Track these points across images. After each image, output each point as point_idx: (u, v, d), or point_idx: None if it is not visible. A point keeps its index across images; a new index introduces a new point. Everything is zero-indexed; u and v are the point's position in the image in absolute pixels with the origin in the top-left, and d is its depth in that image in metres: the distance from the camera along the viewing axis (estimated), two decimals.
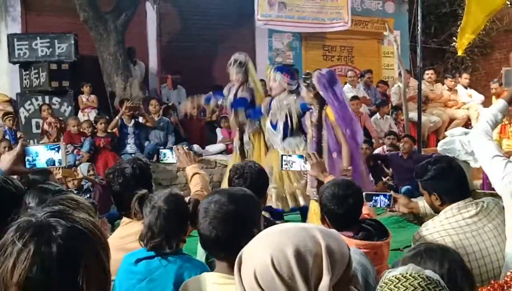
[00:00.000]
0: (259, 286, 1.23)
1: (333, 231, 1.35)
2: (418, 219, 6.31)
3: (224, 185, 5.57)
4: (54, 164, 2.57)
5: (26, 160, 2.49)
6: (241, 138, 6.87)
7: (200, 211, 2.02)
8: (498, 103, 3.31)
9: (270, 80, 5.93)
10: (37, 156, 2.49)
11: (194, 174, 3.38)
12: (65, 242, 1.15)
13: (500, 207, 3.02)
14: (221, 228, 1.94)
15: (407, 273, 1.62)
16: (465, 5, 8.54)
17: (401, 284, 1.60)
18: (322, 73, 5.35)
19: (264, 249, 1.26)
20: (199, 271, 2.37)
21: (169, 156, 3.72)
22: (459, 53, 9.64)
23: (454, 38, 10.11)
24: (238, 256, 1.31)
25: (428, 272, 1.65)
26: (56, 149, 2.54)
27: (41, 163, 2.52)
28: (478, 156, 3.17)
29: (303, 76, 5.56)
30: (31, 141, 9.77)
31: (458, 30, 9.42)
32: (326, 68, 6.09)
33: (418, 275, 1.61)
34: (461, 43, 9.11)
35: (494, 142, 3.16)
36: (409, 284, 1.60)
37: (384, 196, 4.00)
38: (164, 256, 2.45)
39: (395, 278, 1.63)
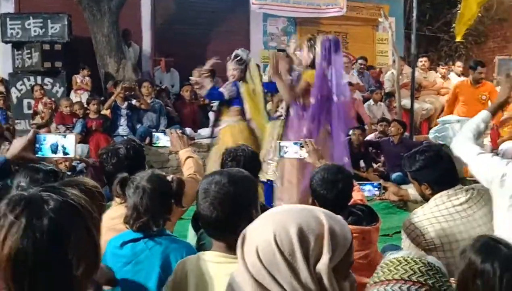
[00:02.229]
0: (261, 261, 1.25)
1: (338, 216, 1.36)
2: (408, 206, 6.35)
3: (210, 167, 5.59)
4: (57, 150, 2.54)
5: (35, 147, 2.48)
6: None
7: (199, 192, 2.03)
8: (482, 113, 3.35)
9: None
10: (42, 143, 2.48)
11: (187, 158, 3.38)
12: (56, 216, 1.16)
13: (490, 194, 3.04)
14: (222, 208, 1.96)
15: (408, 257, 1.64)
16: None
17: (401, 267, 1.62)
18: (329, 37, 5.38)
19: (268, 226, 1.29)
20: (185, 252, 2.39)
21: (163, 139, 3.72)
22: (458, 39, 9.74)
23: (453, 25, 10.15)
24: (241, 234, 1.33)
25: (430, 258, 1.66)
26: (63, 135, 2.53)
27: (46, 150, 2.50)
28: (463, 158, 3.17)
29: (309, 37, 5.58)
30: (22, 121, 9.75)
31: (457, 16, 9.49)
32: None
33: (420, 260, 1.63)
34: (459, 29, 9.18)
35: (477, 146, 3.18)
36: (409, 267, 1.61)
37: (373, 185, 4.02)
38: (150, 237, 2.46)
39: (396, 260, 1.65)
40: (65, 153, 2.56)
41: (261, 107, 6.43)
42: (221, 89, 6.29)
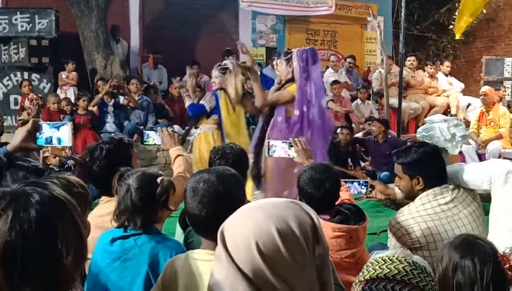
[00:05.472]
0: (262, 257, 1.19)
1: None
2: (395, 204, 6.38)
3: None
4: (51, 142, 2.53)
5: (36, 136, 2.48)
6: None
7: (187, 191, 2.03)
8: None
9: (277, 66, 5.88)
10: (41, 133, 2.48)
11: (177, 156, 3.38)
12: (42, 207, 1.18)
13: (475, 193, 3.07)
14: (211, 207, 1.96)
15: (393, 256, 1.65)
16: None
17: (386, 266, 1.63)
18: (305, 49, 5.26)
19: (266, 220, 1.23)
20: (174, 250, 2.38)
21: (153, 137, 3.71)
22: (457, 36, 9.84)
23: (452, 22, 10.18)
24: (219, 231, 1.27)
25: (416, 258, 1.67)
26: (57, 128, 2.52)
27: (41, 141, 2.50)
28: (460, 177, 3.12)
29: (285, 51, 5.51)
30: (9, 117, 9.68)
31: (456, 13, 9.51)
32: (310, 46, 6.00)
33: (405, 260, 1.64)
34: (459, 26, 9.21)
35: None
36: (394, 267, 1.62)
37: (359, 183, 4.03)
38: (139, 235, 2.45)
39: (382, 259, 1.66)
40: (60, 143, 2.55)
41: (241, 124, 6.40)
42: (201, 102, 6.31)
